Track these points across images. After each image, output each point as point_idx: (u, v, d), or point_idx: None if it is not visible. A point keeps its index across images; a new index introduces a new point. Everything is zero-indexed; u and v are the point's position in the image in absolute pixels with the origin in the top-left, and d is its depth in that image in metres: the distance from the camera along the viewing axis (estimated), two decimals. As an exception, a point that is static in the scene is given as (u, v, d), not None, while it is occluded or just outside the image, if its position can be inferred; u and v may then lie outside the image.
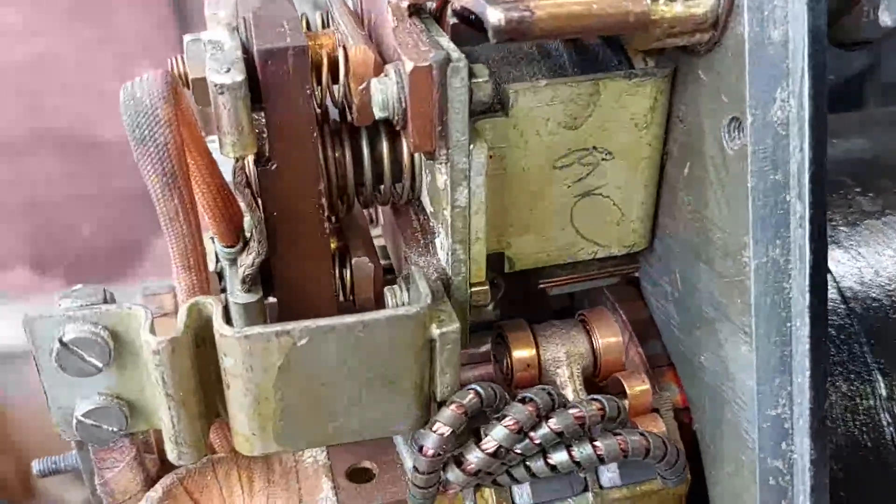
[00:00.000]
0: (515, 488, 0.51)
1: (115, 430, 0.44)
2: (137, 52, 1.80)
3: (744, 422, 0.47)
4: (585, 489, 0.51)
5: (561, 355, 0.53)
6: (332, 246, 0.55)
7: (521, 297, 0.59)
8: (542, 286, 0.56)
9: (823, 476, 0.45)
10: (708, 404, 0.51)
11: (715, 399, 0.50)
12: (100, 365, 0.42)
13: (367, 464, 0.51)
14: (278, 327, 0.41)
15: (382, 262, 0.62)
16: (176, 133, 0.39)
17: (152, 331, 0.41)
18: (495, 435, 0.45)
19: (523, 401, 0.45)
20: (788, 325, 0.44)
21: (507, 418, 0.45)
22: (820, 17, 0.40)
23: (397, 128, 0.45)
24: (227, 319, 0.48)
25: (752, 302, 0.45)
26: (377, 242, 0.64)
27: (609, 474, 0.52)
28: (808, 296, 0.43)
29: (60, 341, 0.41)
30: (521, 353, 0.53)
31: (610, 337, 0.54)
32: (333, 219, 0.56)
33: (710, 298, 0.48)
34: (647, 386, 0.52)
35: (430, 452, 0.44)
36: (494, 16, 0.39)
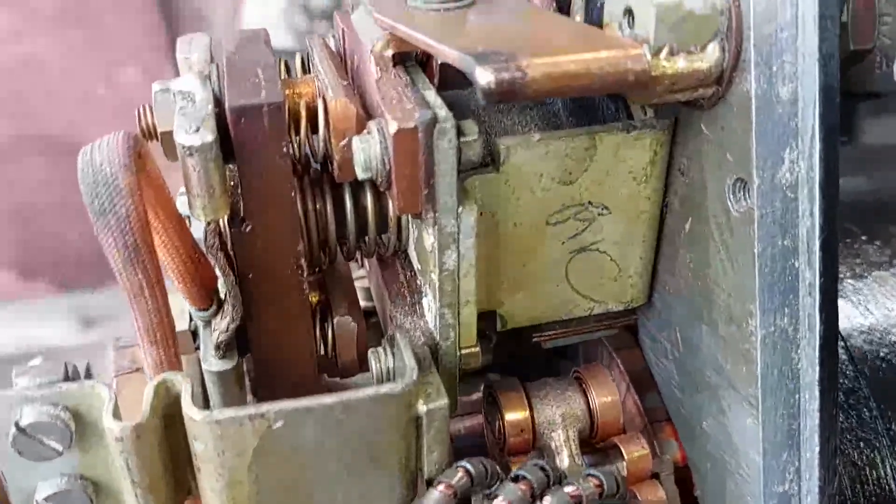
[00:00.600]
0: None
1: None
2: (125, 58, 1.77)
3: (748, 496, 0.44)
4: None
5: (556, 418, 0.50)
6: (314, 299, 0.52)
7: (513, 345, 0.57)
8: (535, 340, 0.54)
9: (835, 554, 0.43)
10: (710, 472, 0.48)
11: (717, 468, 0.47)
12: (60, 449, 0.39)
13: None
14: (252, 410, 0.38)
15: (366, 303, 0.59)
16: (139, 203, 0.36)
17: (116, 414, 0.38)
18: (486, 518, 0.42)
19: (516, 479, 0.42)
20: (797, 397, 0.42)
21: (498, 499, 0.42)
22: (832, 75, 0.38)
23: (381, 188, 0.42)
24: (203, 389, 0.45)
25: (758, 373, 0.42)
26: (361, 284, 0.61)
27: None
28: (818, 368, 0.41)
29: (17, 426, 0.38)
30: (514, 415, 0.50)
31: (606, 396, 0.51)
32: (316, 269, 0.53)
33: (713, 362, 0.46)
34: (646, 451, 0.49)
35: (416, 537, 0.42)
36: (484, 78, 0.36)
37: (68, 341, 1.77)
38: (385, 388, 0.40)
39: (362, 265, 0.63)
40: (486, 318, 0.50)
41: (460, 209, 0.41)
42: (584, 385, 0.52)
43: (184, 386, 0.39)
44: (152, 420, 0.38)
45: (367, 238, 0.48)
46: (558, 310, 0.50)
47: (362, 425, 0.40)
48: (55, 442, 0.39)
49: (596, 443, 0.52)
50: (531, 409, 0.50)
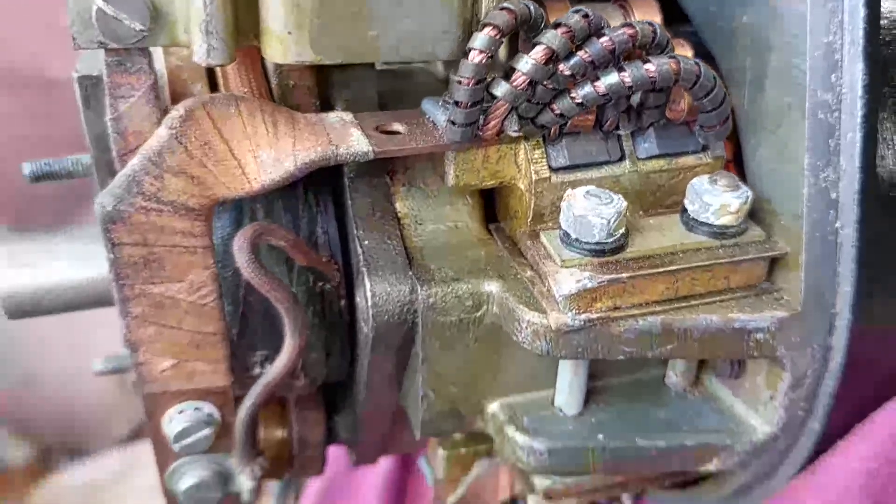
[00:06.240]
0: (552, 150, 0.48)
1: (136, 27, 0.41)
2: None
3: (793, 57, 0.46)
4: (622, 158, 0.50)
5: (596, 28, 0.51)
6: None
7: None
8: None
9: (875, 105, 0.44)
10: (750, 66, 0.49)
11: (759, 53, 0.48)
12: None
13: (396, 126, 0.48)
14: None
15: None
16: None
17: None
18: (548, 39, 0.42)
19: (577, 13, 0.43)
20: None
21: (561, 27, 0.43)
22: None
23: None
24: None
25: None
26: None
27: (646, 144, 0.50)
28: None
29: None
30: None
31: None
32: None
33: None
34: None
35: (478, 58, 0.42)
36: None
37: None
38: None
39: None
40: None
41: None
42: (624, 6, 0.52)
43: None
44: None
45: None
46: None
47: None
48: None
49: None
50: (573, 19, 0.51)
